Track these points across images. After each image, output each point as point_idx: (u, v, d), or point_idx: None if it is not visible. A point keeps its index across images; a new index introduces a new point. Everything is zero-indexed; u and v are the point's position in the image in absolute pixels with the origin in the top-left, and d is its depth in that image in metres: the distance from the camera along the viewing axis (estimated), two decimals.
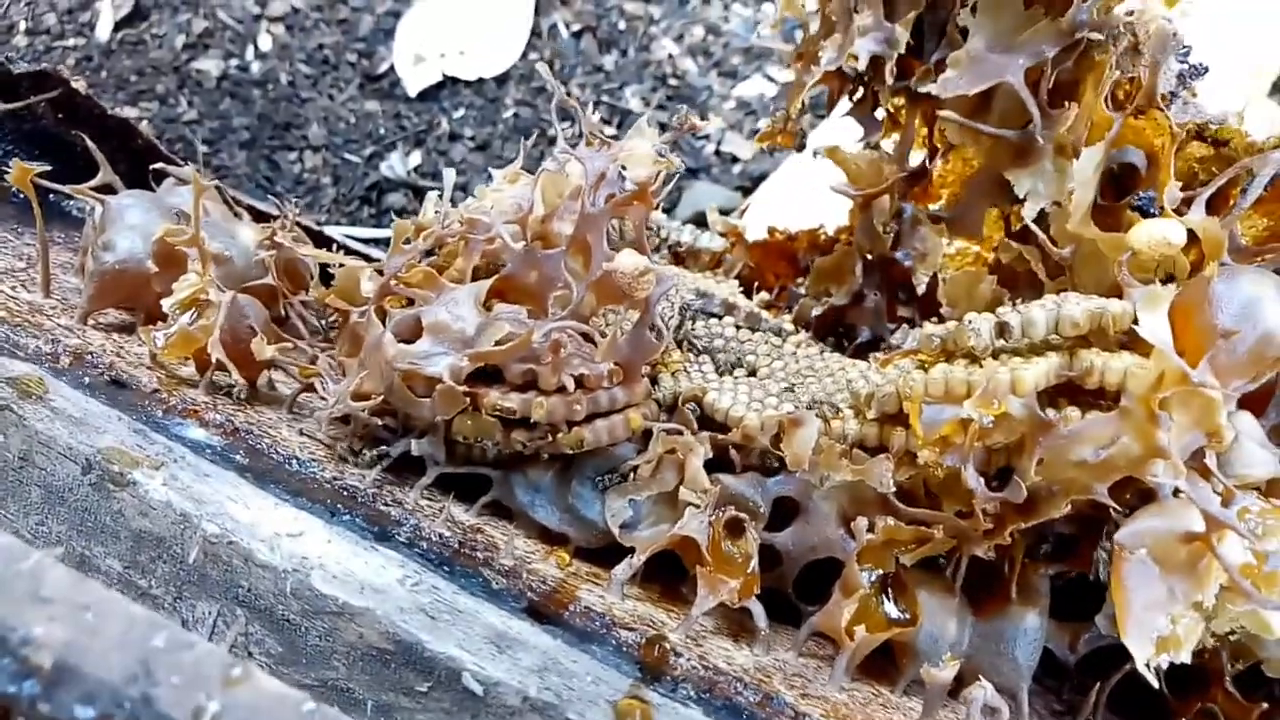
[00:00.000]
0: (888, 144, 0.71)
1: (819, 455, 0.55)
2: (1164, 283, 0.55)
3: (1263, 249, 0.56)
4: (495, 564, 0.57)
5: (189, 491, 0.56)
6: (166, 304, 0.64)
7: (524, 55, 1.57)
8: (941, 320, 0.61)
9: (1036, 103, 0.60)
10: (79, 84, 0.83)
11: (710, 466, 0.58)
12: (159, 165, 0.76)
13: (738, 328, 0.67)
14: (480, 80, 1.56)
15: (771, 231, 0.82)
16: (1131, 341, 0.54)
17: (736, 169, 1.47)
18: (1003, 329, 0.54)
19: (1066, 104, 0.60)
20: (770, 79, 1.55)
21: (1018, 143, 0.62)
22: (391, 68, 1.57)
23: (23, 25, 1.58)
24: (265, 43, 1.58)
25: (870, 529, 0.55)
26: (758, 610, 0.56)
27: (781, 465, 0.57)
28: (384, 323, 0.58)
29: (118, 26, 1.58)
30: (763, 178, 1.42)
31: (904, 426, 0.56)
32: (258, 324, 0.65)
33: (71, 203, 0.86)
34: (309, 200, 1.46)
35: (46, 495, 0.59)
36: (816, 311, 0.75)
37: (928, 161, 0.71)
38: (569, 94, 0.68)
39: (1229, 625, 0.53)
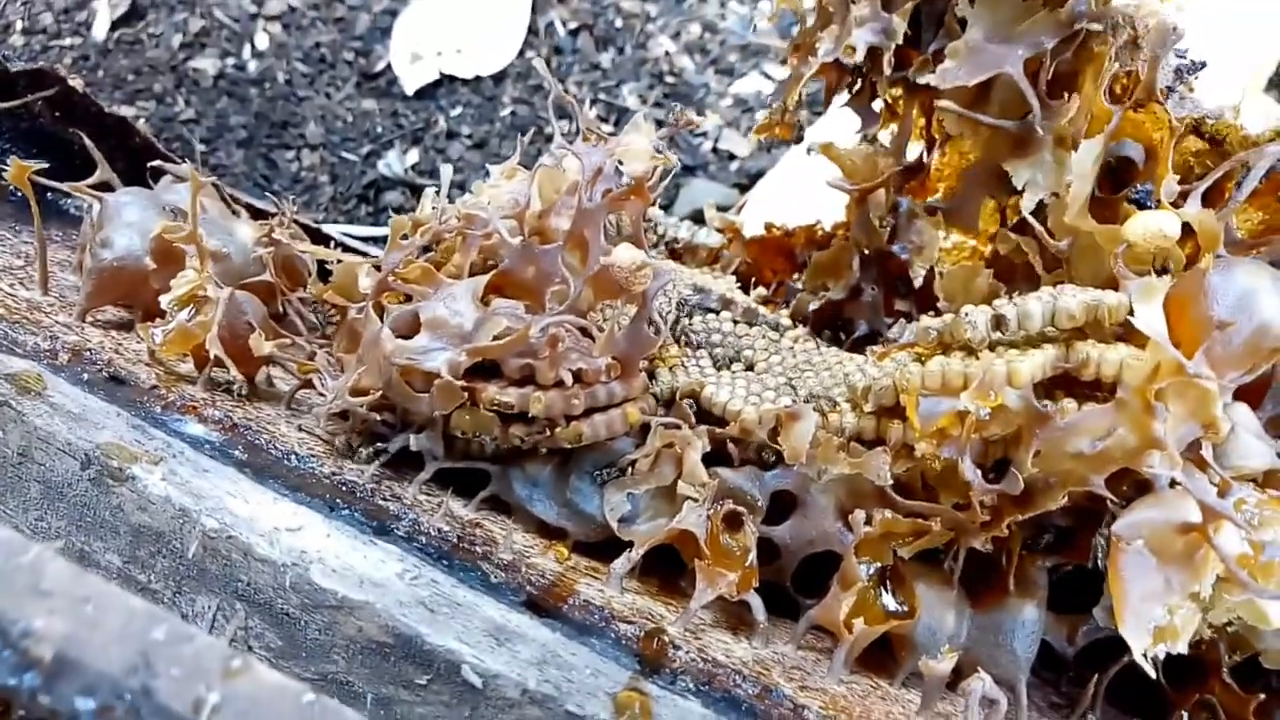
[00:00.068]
0: (885, 136, 0.71)
1: (816, 449, 0.55)
2: (1159, 275, 0.55)
3: (1258, 241, 0.56)
4: (494, 558, 0.57)
5: (188, 487, 0.56)
6: (164, 300, 0.64)
7: (521, 53, 1.57)
8: (938, 314, 0.62)
9: (1036, 94, 0.60)
10: (76, 82, 0.83)
11: (708, 460, 0.58)
12: (156, 163, 0.76)
13: (735, 322, 0.67)
14: (477, 78, 1.56)
15: (769, 227, 0.82)
16: (1127, 333, 0.54)
17: (734, 166, 1.47)
18: (999, 321, 0.54)
19: (1066, 95, 0.60)
20: (767, 76, 1.55)
21: (1017, 133, 0.62)
22: (388, 66, 1.57)
23: (19, 24, 1.57)
24: (262, 41, 1.58)
25: (868, 522, 0.55)
26: (756, 603, 0.56)
27: (779, 459, 0.57)
28: (382, 319, 0.58)
29: (114, 26, 1.58)
30: (760, 175, 1.42)
31: (901, 419, 0.56)
32: (256, 320, 0.65)
33: (69, 200, 0.86)
34: (306, 198, 1.46)
35: (46, 491, 0.59)
36: (814, 306, 0.75)
37: (925, 154, 0.71)
38: (566, 91, 0.68)
39: (1226, 616, 0.53)
